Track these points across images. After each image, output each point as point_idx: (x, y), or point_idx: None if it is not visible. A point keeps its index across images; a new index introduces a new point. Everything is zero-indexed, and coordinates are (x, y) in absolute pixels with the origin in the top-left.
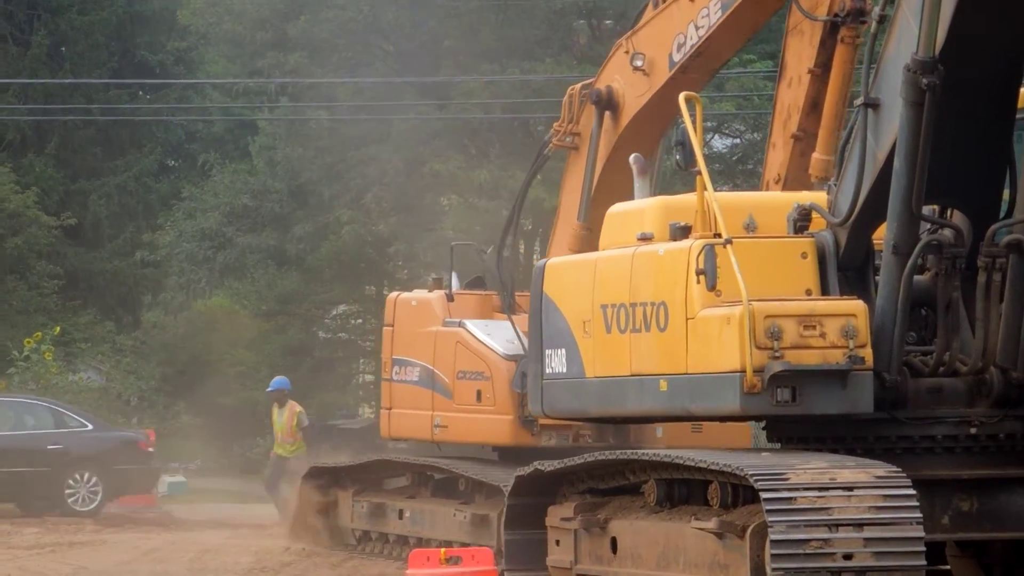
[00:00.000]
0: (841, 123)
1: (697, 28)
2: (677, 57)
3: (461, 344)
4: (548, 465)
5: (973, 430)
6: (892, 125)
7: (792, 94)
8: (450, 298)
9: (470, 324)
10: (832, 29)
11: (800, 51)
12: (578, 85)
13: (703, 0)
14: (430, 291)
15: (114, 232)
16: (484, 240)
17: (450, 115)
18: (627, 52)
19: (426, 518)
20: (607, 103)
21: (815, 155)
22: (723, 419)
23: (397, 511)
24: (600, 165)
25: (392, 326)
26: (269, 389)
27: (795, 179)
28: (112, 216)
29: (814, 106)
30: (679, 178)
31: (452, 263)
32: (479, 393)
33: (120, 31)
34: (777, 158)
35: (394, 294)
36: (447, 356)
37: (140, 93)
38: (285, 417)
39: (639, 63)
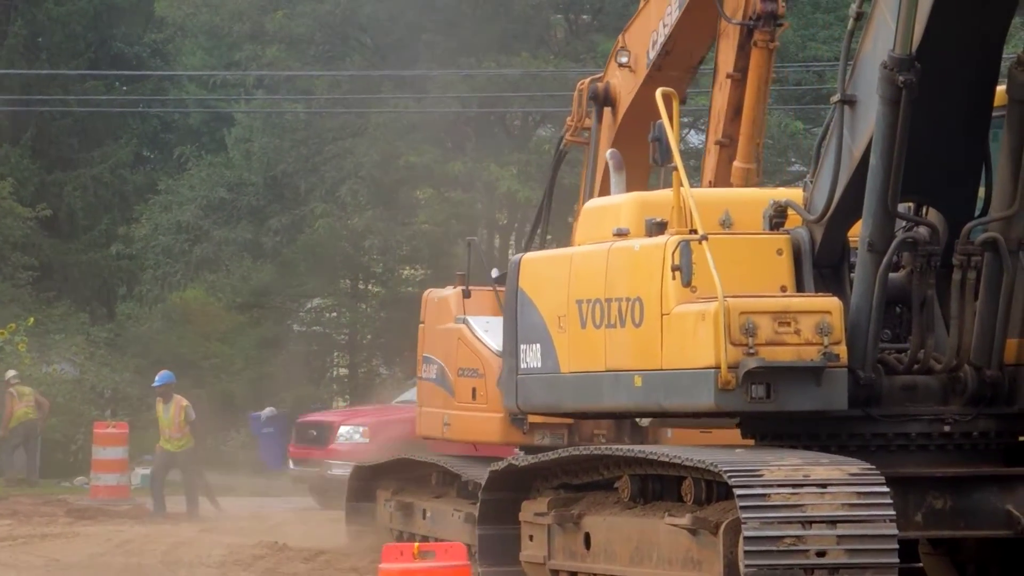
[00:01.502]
0: (761, 131)
1: (664, 26)
2: (652, 55)
3: (462, 341)
4: (522, 460)
5: (947, 428)
6: (868, 122)
7: (720, 98)
8: (467, 294)
9: (472, 321)
10: (749, 34)
11: (726, 55)
12: (587, 80)
13: None
14: (455, 287)
15: (89, 224)
16: (460, 233)
17: (427, 108)
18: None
19: (444, 518)
20: (604, 99)
21: (735, 163)
22: (697, 415)
23: (422, 511)
24: (602, 161)
25: (424, 323)
26: (156, 384)
27: (724, 186)
28: (87, 207)
29: (737, 112)
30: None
31: (470, 259)
32: (474, 391)
33: (97, 22)
34: (709, 164)
35: (428, 291)
36: (452, 353)
37: (117, 84)
38: (172, 412)
39: (624, 60)
